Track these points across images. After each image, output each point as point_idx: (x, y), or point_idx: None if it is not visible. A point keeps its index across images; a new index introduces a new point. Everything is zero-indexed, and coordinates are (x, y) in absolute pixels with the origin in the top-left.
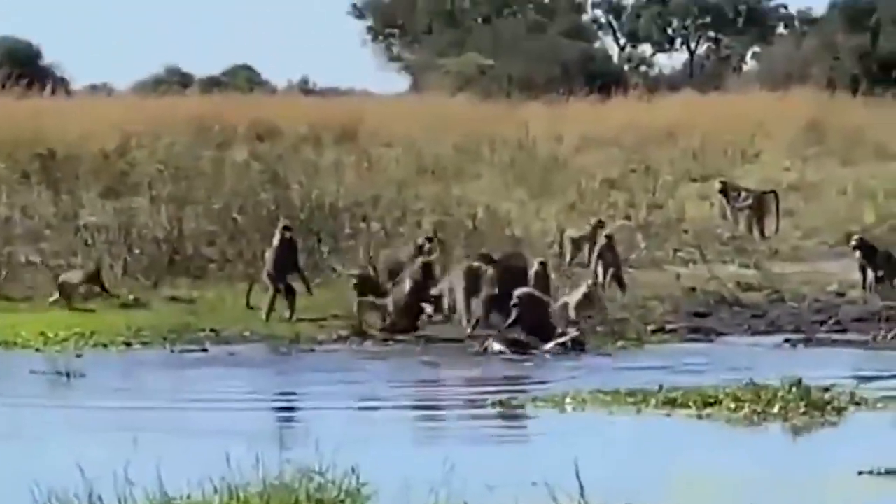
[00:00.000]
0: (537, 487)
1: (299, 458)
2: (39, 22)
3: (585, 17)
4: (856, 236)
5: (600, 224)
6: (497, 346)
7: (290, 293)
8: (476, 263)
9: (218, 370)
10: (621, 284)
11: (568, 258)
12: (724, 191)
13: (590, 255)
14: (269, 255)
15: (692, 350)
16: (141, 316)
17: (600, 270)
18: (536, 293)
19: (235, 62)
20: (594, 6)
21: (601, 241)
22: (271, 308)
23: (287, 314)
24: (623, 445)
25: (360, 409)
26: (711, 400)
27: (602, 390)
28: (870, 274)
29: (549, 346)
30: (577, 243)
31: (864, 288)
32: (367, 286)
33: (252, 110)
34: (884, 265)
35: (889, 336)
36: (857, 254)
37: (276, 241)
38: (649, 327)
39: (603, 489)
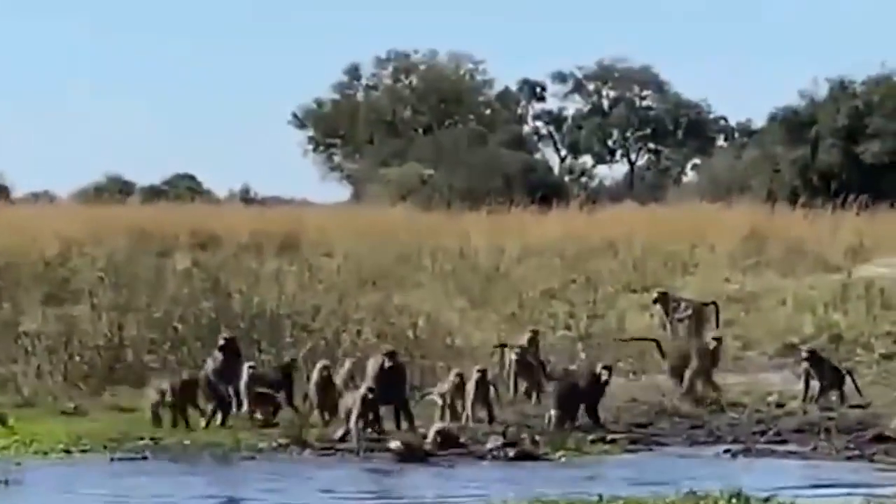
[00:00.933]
0: None
1: None
2: None
3: (526, 129)
4: (805, 347)
5: (535, 333)
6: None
7: (226, 403)
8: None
9: (158, 478)
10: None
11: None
12: (663, 302)
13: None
14: (210, 364)
15: (632, 460)
16: (81, 424)
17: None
18: None
19: (177, 171)
20: (535, 118)
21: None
22: (212, 416)
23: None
24: None
25: None
26: None
27: (540, 499)
28: (814, 384)
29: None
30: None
31: (804, 399)
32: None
33: (193, 219)
34: (829, 377)
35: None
36: (805, 364)
37: (216, 354)
38: (589, 437)
39: None
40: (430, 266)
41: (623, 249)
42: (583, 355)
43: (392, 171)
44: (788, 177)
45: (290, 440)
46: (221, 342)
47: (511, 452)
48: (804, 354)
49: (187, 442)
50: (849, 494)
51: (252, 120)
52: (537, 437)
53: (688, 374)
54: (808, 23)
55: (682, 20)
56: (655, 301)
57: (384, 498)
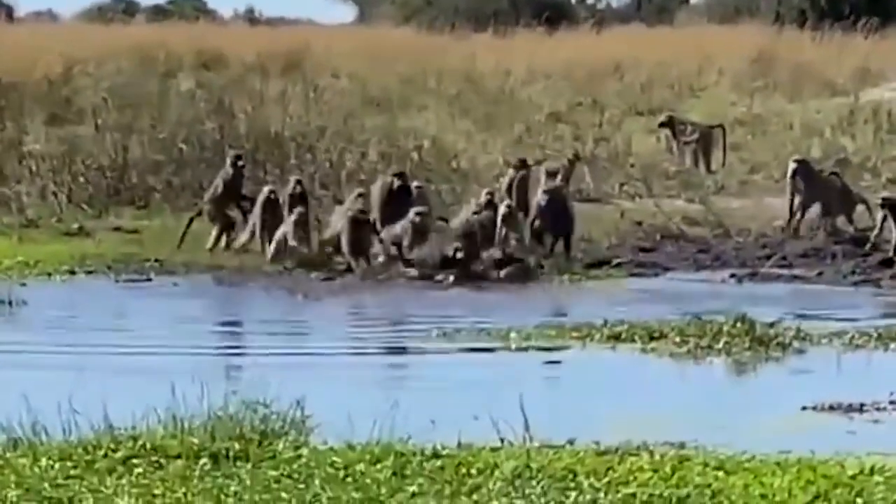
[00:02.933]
0: (481, 422)
1: (244, 390)
2: None
3: None
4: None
5: (577, 157)
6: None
7: (231, 224)
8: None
9: (162, 300)
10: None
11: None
12: (670, 125)
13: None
14: (217, 182)
15: (637, 284)
16: (85, 245)
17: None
18: None
19: None
20: None
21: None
22: (218, 239)
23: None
24: (568, 380)
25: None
26: (656, 335)
27: (546, 324)
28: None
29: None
30: (553, 174)
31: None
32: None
33: (198, 39)
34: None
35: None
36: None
37: (227, 169)
38: (596, 260)
39: (546, 424)
40: (435, 88)
41: (630, 72)
42: (588, 178)
43: None
44: None
45: (297, 264)
46: (232, 158)
47: (503, 273)
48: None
49: (191, 264)
50: (853, 320)
51: None
52: (542, 262)
53: None
54: None
55: None
56: (662, 124)
57: (377, 314)
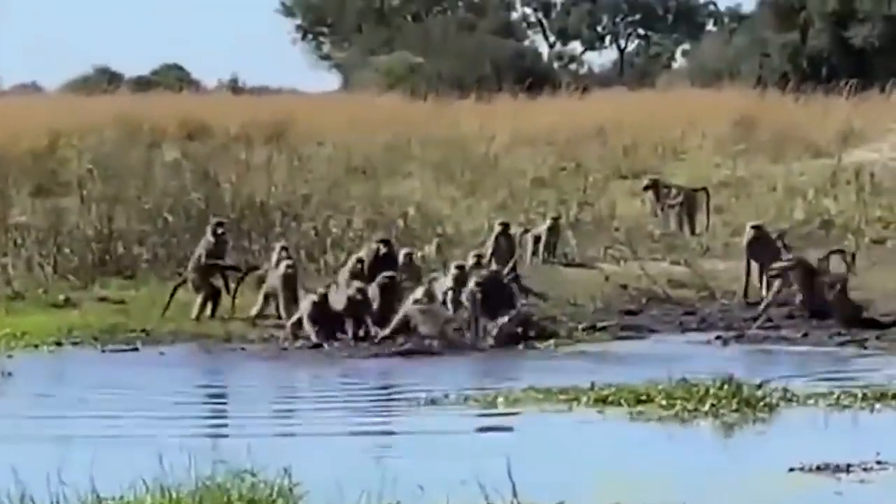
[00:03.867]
0: (468, 486)
1: (232, 458)
2: None
3: (515, 15)
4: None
5: (557, 219)
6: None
7: (216, 292)
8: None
9: (149, 370)
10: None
11: (529, 254)
12: (654, 188)
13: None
14: (199, 251)
15: (623, 348)
16: (72, 316)
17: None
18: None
19: (165, 61)
20: (523, 3)
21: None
22: (203, 307)
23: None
24: (555, 443)
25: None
26: (643, 397)
27: (534, 388)
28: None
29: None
30: (538, 239)
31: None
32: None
33: (182, 109)
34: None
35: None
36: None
37: (208, 237)
38: (581, 325)
39: (534, 488)
40: (419, 154)
41: (613, 136)
42: (573, 242)
43: (381, 59)
44: (778, 62)
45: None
46: (213, 227)
47: (491, 341)
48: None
49: (178, 333)
50: (839, 380)
51: (240, 8)
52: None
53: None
54: None
55: None
56: (646, 188)
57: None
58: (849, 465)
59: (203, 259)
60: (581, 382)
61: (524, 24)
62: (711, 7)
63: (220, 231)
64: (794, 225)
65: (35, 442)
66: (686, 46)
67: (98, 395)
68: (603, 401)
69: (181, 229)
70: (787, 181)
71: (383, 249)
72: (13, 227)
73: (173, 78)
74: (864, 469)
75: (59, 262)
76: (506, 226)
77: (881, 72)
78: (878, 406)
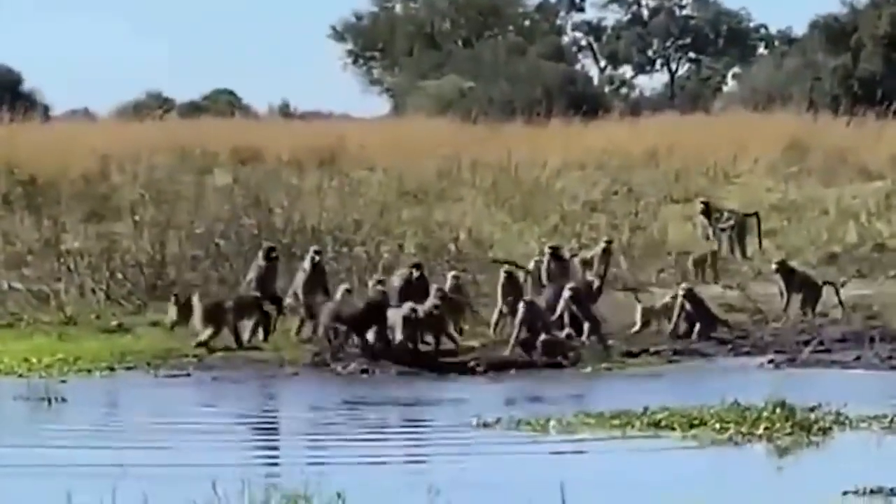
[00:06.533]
0: None
1: (284, 483)
2: (19, 48)
3: (566, 40)
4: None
5: (609, 243)
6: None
7: (266, 316)
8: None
9: (201, 395)
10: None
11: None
12: (706, 212)
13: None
14: (251, 275)
15: (677, 371)
16: (124, 341)
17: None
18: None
19: (216, 86)
20: (574, 28)
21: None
22: (254, 332)
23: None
24: (608, 469)
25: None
26: (696, 421)
27: (586, 412)
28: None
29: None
30: (588, 264)
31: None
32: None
33: (233, 135)
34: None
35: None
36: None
37: (259, 262)
38: (634, 349)
39: None
40: (470, 179)
41: (664, 160)
42: (625, 266)
43: (431, 84)
44: (829, 85)
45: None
46: (265, 251)
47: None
48: (774, 266)
49: (230, 357)
50: (893, 403)
51: (291, 34)
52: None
53: None
54: None
55: None
56: (702, 212)
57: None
58: None
59: (254, 284)
60: (634, 406)
61: (575, 49)
62: (762, 30)
63: (271, 255)
64: (846, 248)
65: (89, 468)
66: (737, 69)
67: (151, 421)
68: (656, 425)
69: (233, 254)
70: (840, 204)
71: (416, 274)
72: (66, 253)
73: (224, 103)
74: None
75: (111, 287)
76: (556, 249)
77: None
78: None
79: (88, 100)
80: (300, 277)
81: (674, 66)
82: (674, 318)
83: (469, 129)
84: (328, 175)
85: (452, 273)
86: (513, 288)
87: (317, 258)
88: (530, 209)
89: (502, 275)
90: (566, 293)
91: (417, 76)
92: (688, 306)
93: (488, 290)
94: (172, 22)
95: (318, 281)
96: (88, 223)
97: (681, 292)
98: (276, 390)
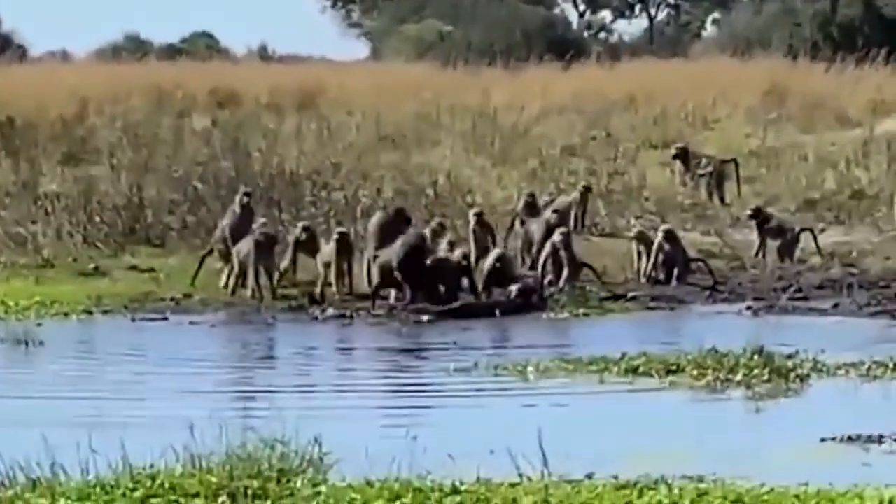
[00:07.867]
0: (499, 456)
1: (262, 427)
2: None
3: None
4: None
5: (588, 190)
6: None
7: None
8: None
9: (178, 338)
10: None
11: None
12: (683, 157)
13: (576, 221)
14: (226, 221)
15: (653, 317)
16: (102, 285)
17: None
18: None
19: (194, 29)
20: None
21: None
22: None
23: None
24: (585, 414)
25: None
26: (674, 367)
27: (564, 358)
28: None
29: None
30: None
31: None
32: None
33: (212, 78)
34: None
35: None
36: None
37: (235, 207)
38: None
39: (565, 458)
40: (449, 123)
41: (643, 105)
42: (604, 212)
43: (410, 27)
44: (809, 31)
45: (311, 301)
46: (240, 198)
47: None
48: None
49: (208, 302)
50: (870, 351)
51: None
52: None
53: None
54: None
55: None
56: (676, 157)
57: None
58: (880, 436)
59: (228, 230)
60: (611, 352)
61: None
62: None
63: (245, 202)
64: (824, 195)
65: (65, 410)
66: (716, 15)
67: (127, 363)
68: (633, 371)
69: (211, 198)
70: (818, 151)
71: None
72: (43, 196)
73: (203, 46)
74: (895, 440)
75: (88, 230)
76: (532, 196)
77: None
78: None
79: (66, 41)
80: (228, 220)
81: (653, 12)
82: (651, 258)
83: (448, 73)
84: (306, 119)
85: (436, 219)
86: (484, 232)
87: (245, 199)
88: (509, 154)
89: (472, 218)
90: (557, 237)
91: (396, 20)
92: (666, 247)
93: (465, 235)
94: None
95: (247, 224)
96: (66, 166)
97: (660, 233)
98: (255, 332)
